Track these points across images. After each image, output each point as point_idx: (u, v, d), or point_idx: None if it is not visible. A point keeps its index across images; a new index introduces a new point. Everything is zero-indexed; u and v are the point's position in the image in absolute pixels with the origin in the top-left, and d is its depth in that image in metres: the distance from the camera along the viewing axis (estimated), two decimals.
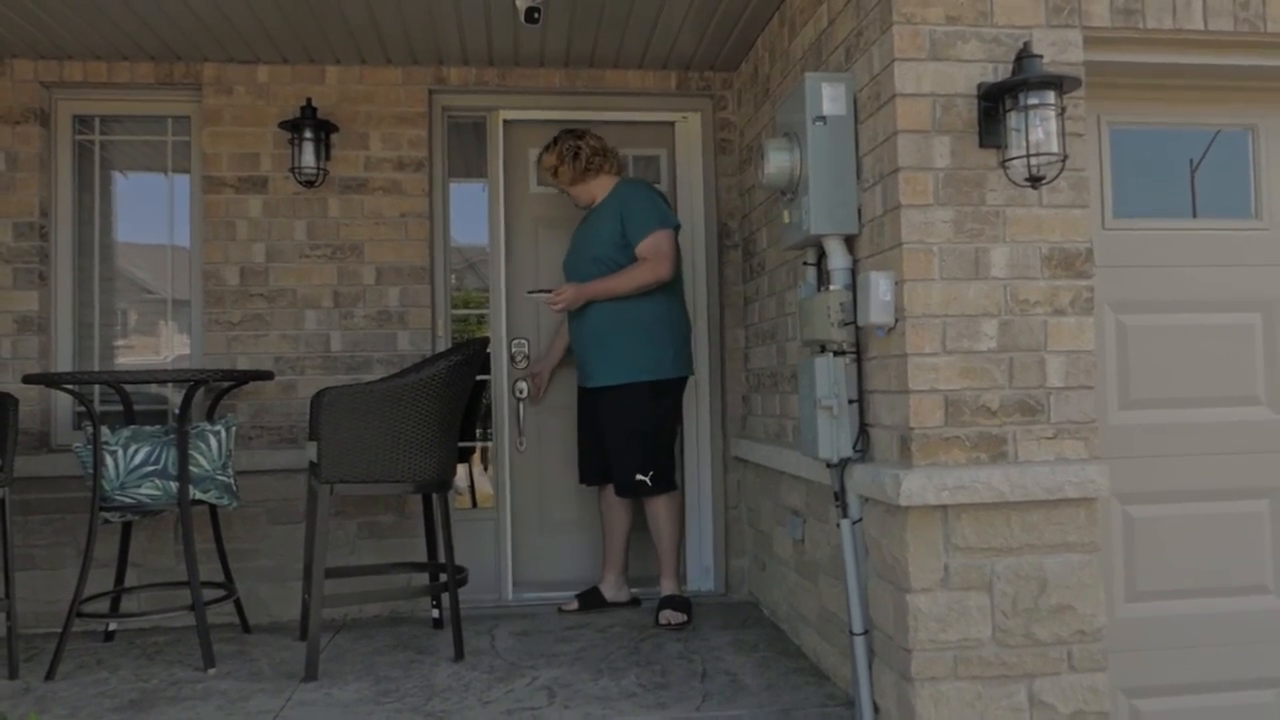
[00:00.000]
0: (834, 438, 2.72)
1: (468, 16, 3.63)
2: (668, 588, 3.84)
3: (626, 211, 3.76)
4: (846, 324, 2.73)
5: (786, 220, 2.99)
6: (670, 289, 3.80)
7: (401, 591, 3.38)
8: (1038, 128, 2.42)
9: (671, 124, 4.40)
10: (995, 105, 2.50)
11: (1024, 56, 2.45)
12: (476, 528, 4.20)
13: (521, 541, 4.26)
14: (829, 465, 2.79)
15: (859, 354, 2.77)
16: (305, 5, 3.47)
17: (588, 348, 3.82)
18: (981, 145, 2.53)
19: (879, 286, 2.54)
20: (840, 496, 2.78)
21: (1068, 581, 2.47)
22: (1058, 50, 2.59)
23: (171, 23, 3.61)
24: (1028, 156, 2.42)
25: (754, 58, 3.97)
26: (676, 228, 3.81)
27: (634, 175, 4.39)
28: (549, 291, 3.80)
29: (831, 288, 2.78)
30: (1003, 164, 2.51)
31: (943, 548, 2.46)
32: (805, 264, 3.04)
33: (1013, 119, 2.45)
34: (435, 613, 3.80)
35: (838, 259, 2.79)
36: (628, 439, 3.73)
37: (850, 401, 2.74)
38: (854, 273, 2.79)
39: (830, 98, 2.77)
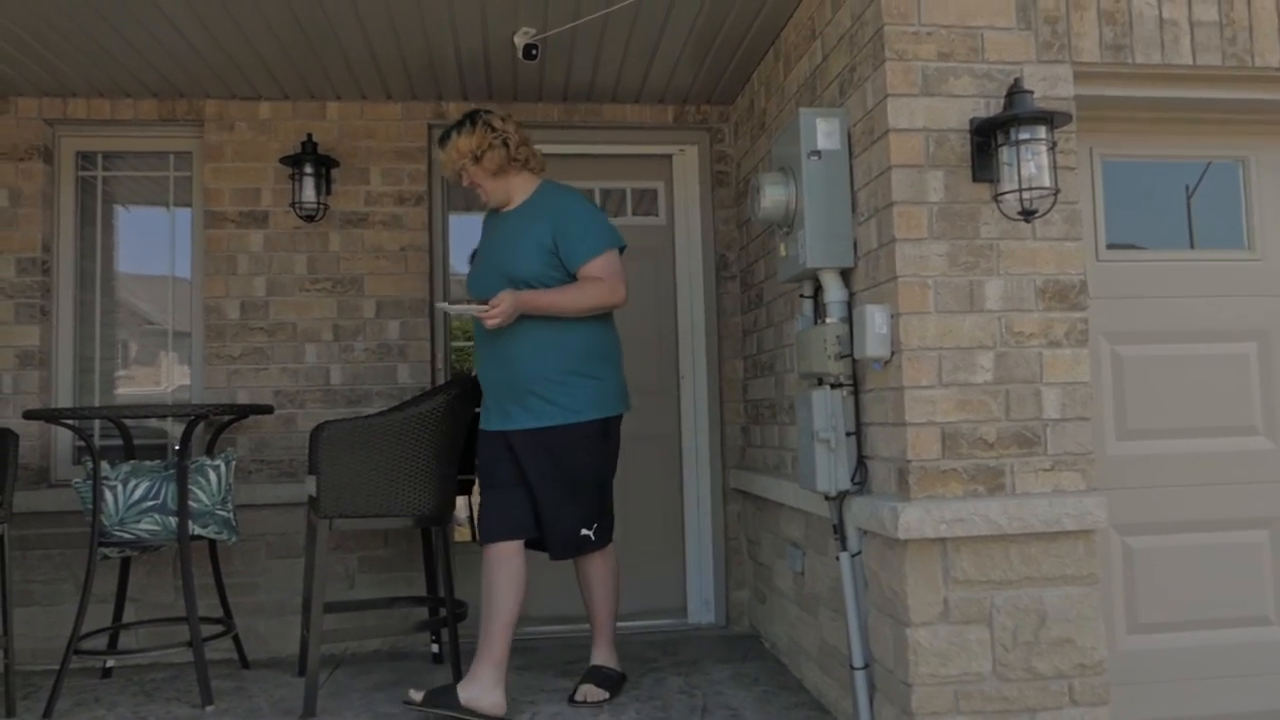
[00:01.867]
0: (832, 470, 2.72)
1: (466, 53, 3.68)
2: (600, 656, 3.30)
3: (564, 223, 3.09)
4: (843, 357, 2.74)
5: (783, 253, 3.01)
6: (609, 315, 3.26)
7: (401, 626, 3.37)
8: (1029, 162, 2.44)
9: (669, 157, 4.44)
10: (988, 140, 2.53)
11: (1015, 92, 2.48)
12: (477, 560, 4.18)
13: None
14: (827, 498, 2.79)
15: (856, 386, 2.78)
16: (306, 42, 3.51)
17: (514, 378, 3.10)
18: (975, 179, 2.56)
19: (875, 320, 2.56)
20: (839, 529, 2.78)
21: (1067, 614, 2.47)
22: (1049, 85, 2.62)
23: (174, 60, 3.66)
24: (1020, 191, 2.45)
25: (750, 91, 4.01)
26: (623, 248, 3.23)
27: (628, 206, 4.42)
28: (483, 304, 3.02)
29: (828, 321, 2.80)
30: (996, 198, 2.54)
31: (942, 581, 2.46)
32: (802, 296, 3.05)
33: (1005, 154, 2.47)
34: (435, 647, 3.78)
35: (834, 292, 2.80)
36: (572, 488, 3.11)
37: (848, 434, 2.75)
38: (850, 305, 2.81)
39: (825, 132, 2.80)
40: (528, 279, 3.07)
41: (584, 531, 3.16)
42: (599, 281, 3.07)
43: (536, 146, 3.32)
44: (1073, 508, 2.46)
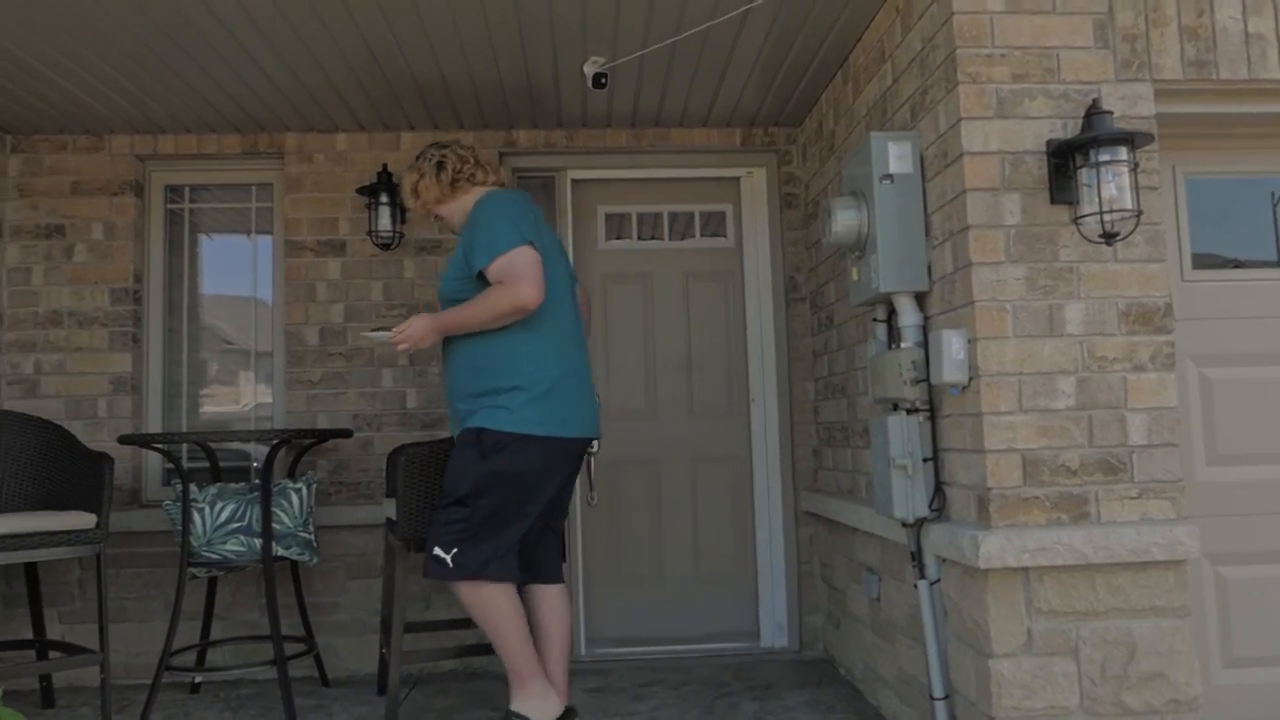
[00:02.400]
0: (909, 497, 2.69)
1: (537, 82, 3.74)
2: (511, 698, 2.88)
3: (471, 232, 2.88)
4: (919, 382, 2.71)
5: (855, 277, 2.99)
6: (536, 324, 2.87)
7: (477, 647, 3.41)
8: (1110, 184, 2.40)
9: (737, 179, 4.45)
10: (1066, 162, 2.49)
11: (1093, 113, 2.44)
12: None
13: (594, 596, 4.27)
14: (904, 525, 2.76)
15: (933, 412, 2.75)
16: (381, 75, 3.61)
17: (447, 396, 3.04)
18: (1053, 202, 2.52)
19: (952, 344, 2.53)
20: (917, 556, 2.74)
21: (1158, 647, 2.40)
22: (1128, 105, 2.57)
23: (256, 97, 3.79)
24: (1101, 213, 2.40)
25: (818, 113, 4.00)
26: (532, 243, 2.82)
27: (696, 229, 4.44)
28: (388, 330, 2.97)
29: (903, 345, 2.77)
30: (1075, 220, 2.49)
31: (1025, 611, 2.41)
32: (875, 320, 3.03)
33: (1084, 175, 2.43)
34: None
35: (908, 316, 2.78)
36: (441, 500, 2.87)
37: (925, 460, 2.72)
38: (925, 330, 2.78)
39: (896, 156, 2.79)
40: (449, 297, 2.96)
41: (436, 550, 2.80)
42: (498, 286, 2.80)
43: (493, 163, 3.21)
44: (1162, 537, 2.39)
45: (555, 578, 3.04)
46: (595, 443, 4.17)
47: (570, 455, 2.91)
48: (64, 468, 3.58)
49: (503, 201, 2.89)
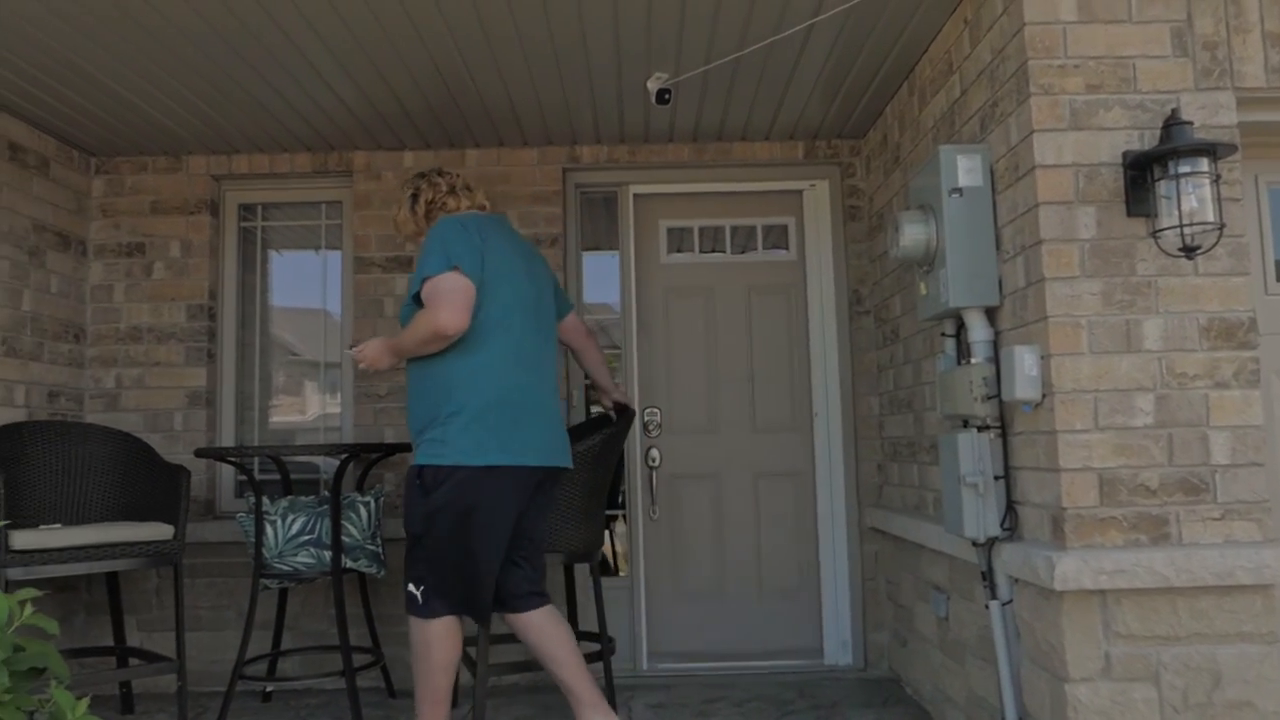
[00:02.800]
0: (980, 516, 2.64)
1: (601, 99, 3.77)
2: None
3: (418, 257, 2.88)
4: (990, 398, 2.67)
5: (923, 292, 2.95)
6: (473, 347, 2.81)
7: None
8: (1190, 196, 2.33)
9: (799, 192, 4.42)
10: (1143, 174, 2.43)
11: (1172, 123, 2.38)
12: (610, 595, 4.23)
13: (656, 611, 4.26)
14: (975, 544, 2.71)
15: (1004, 429, 2.70)
16: (447, 92, 3.66)
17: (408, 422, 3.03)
18: (1129, 214, 2.46)
19: (1024, 361, 2.48)
20: (988, 576, 2.69)
21: (1245, 675, 2.31)
22: (1208, 114, 2.50)
23: (326, 116, 3.88)
24: (1180, 226, 2.34)
25: (883, 125, 3.96)
26: (458, 267, 2.76)
27: (758, 242, 4.43)
28: (353, 347, 3.05)
29: (973, 361, 2.73)
30: (1153, 234, 2.43)
31: (1102, 635, 2.34)
32: (944, 335, 2.99)
33: (1162, 187, 2.37)
34: None
35: (978, 331, 2.73)
36: (407, 537, 2.90)
37: (996, 478, 2.67)
38: (996, 345, 2.73)
39: (966, 169, 2.75)
40: (402, 321, 2.97)
41: (410, 587, 2.83)
42: (421, 312, 2.78)
43: (473, 187, 3.17)
44: (1248, 560, 2.31)
45: (532, 605, 2.93)
46: (655, 454, 4.20)
47: (517, 484, 2.81)
48: (143, 479, 3.69)
49: (444, 227, 2.87)
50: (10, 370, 3.71)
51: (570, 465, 3.01)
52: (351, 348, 3.04)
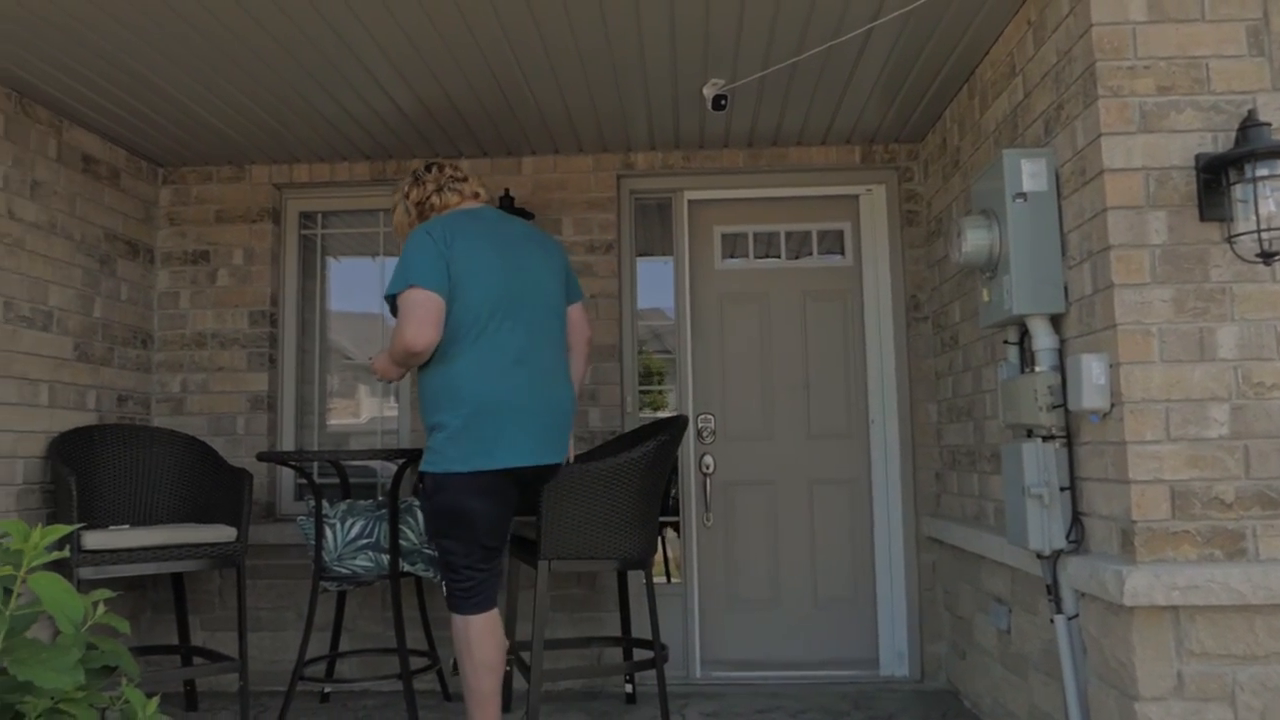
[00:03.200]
0: (1045, 528, 2.58)
1: (656, 106, 3.77)
2: None
3: None
4: (1055, 407, 2.61)
5: (986, 298, 2.90)
6: (451, 355, 2.90)
7: (603, 668, 3.42)
8: (1269, 199, 2.26)
9: (856, 197, 4.38)
10: (1217, 177, 2.36)
11: (1249, 125, 2.31)
12: (663, 603, 4.22)
13: (709, 619, 4.24)
14: (1039, 556, 2.65)
15: (1069, 439, 2.64)
16: (504, 100, 3.69)
17: None
18: (1202, 219, 2.39)
19: (1092, 369, 2.42)
20: (1053, 590, 2.63)
21: None
22: None
23: (385, 125, 3.93)
24: (1258, 231, 2.27)
25: (941, 129, 3.91)
26: (418, 284, 2.82)
27: (813, 247, 4.39)
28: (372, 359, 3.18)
29: (1037, 369, 2.67)
30: (1228, 239, 2.36)
31: (1174, 652, 2.28)
32: (1006, 343, 2.93)
33: (1238, 191, 2.30)
34: (629, 688, 3.83)
35: (1043, 339, 2.68)
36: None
37: (1061, 489, 2.60)
38: (1061, 354, 2.67)
39: (1030, 174, 2.70)
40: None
41: (443, 585, 3.01)
42: (393, 329, 2.91)
43: (458, 184, 3.16)
44: None
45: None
46: (709, 461, 4.17)
47: (507, 483, 2.92)
48: (207, 482, 3.77)
49: (411, 241, 2.93)
50: (82, 375, 3.81)
51: (560, 461, 3.06)
52: (370, 359, 3.15)
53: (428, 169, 3.20)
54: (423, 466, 2.95)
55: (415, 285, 2.83)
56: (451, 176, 3.17)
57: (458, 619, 2.92)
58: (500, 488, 2.92)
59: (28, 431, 3.51)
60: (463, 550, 2.91)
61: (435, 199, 3.14)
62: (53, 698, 1.67)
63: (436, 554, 3.04)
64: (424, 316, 2.81)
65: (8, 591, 1.64)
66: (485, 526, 2.90)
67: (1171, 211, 2.41)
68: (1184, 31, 2.46)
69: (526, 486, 3.03)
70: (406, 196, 3.19)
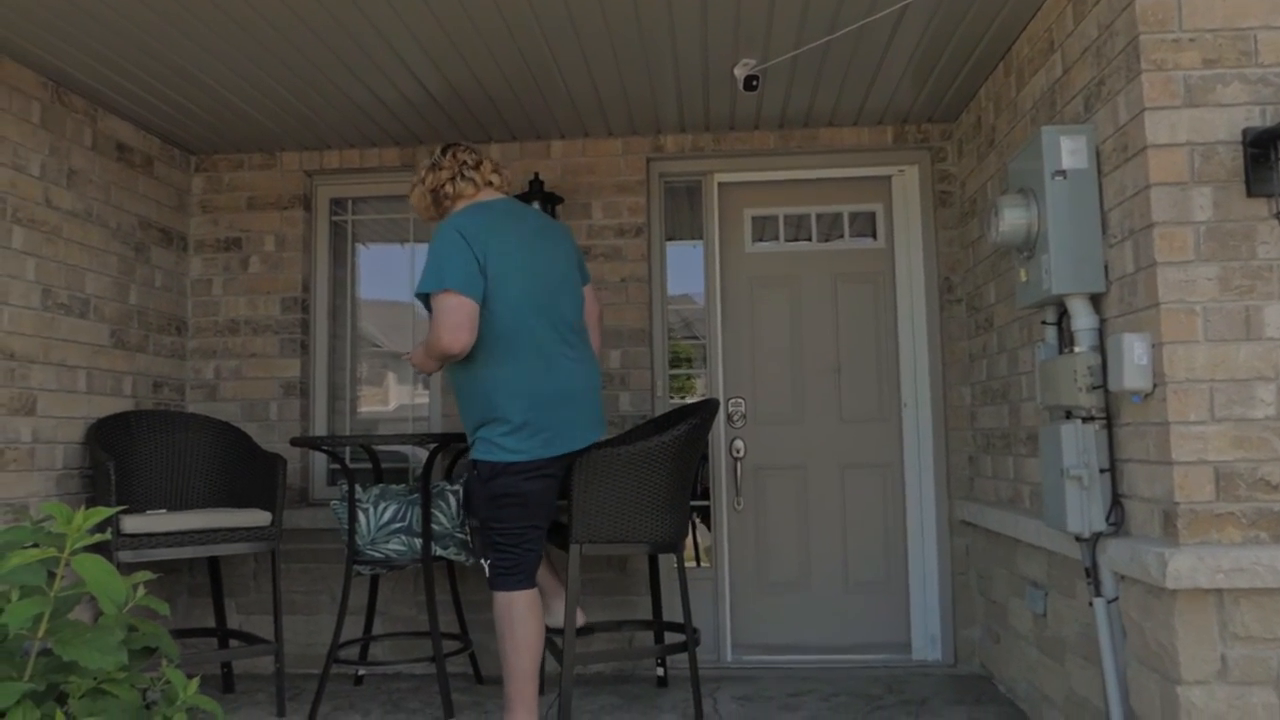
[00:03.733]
0: (1084, 510, 2.54)
1: (686, 87, 3.74)
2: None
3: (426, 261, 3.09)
4: (1095, 388, 2.56)
5: (1023, 278, 2.86)
6: (500, 357, 3.03)
7: (635, 651, 3.43)
8: None
9: (888, 178, 4.33)
10: (1265, 151, 2.30)
11: None
12: (694, 586, 4.21)
13: (740, 602, 4.23)
14: (1078, 539, 2.61)
15: (1109, 420, 2.59)
16: (533, 82, 3.67)
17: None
18: (1249, 195, 2.33)
19: (1134, 349, 2.38)
20: (1092, 573, 2.59)
21: None
22: None
23: (414, 110, 3.93)
24: None
25: (976, 108, 3.85)
26: (452, 288, 2.94)
27: (845, 229, 4.35)
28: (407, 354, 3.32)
29: (1077, 350, 2.63)
30: (1277, 215, 2.30)
31: (1218, 636, 2.24)
32: (1044, 323, 2.89)
33: None
34: (660, 671, 3.83)
35: (1083, 319, 2.63)
36: (470, 520, 3.31)
37: (1101, 471, 2.56)
38: (1101, 333, 2.63)
39: (1070, 151, 2.65)
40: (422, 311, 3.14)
41: (483, 560, 3.13)
42: (430, 330, 3.03)
43: (475, 167, 3.22)
44: None
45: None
46: (740, 445, 4.16)
47: (559, 469, 3.10)
48: (242, 467, 3.80)
49: (441, 239, 3.01)
50: (119, 361, 3.85)
51: (601, 435, 3.22)
52: (408, 355, 3.28)
53: (444, 152, 3.27)
54: (478, 456, 3.09)
55: (449, 289, 2.95)
56: (464, 163, 3.23)
57: (501, 596, 3.01)
58: (555, 470, 3.09)
59: (66, 417, 3.55)
60: (514, 529, 3.04)
61: (449, 187, 3.22)
62: (95, 678, 1.69)
63: (480, 533, 3.13)
64: (460, 321, 2.94)
65: (51, 574, 1.66)
66: (537, 506, 3.06)
67: (1217, 187, 2.35)
68: (1231, 3, 2.39)
69: (571, 464, 3.15)
70: (423, 181, 3.27)
